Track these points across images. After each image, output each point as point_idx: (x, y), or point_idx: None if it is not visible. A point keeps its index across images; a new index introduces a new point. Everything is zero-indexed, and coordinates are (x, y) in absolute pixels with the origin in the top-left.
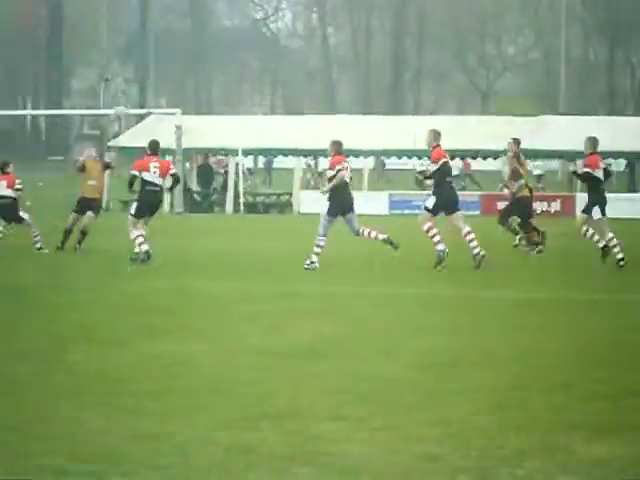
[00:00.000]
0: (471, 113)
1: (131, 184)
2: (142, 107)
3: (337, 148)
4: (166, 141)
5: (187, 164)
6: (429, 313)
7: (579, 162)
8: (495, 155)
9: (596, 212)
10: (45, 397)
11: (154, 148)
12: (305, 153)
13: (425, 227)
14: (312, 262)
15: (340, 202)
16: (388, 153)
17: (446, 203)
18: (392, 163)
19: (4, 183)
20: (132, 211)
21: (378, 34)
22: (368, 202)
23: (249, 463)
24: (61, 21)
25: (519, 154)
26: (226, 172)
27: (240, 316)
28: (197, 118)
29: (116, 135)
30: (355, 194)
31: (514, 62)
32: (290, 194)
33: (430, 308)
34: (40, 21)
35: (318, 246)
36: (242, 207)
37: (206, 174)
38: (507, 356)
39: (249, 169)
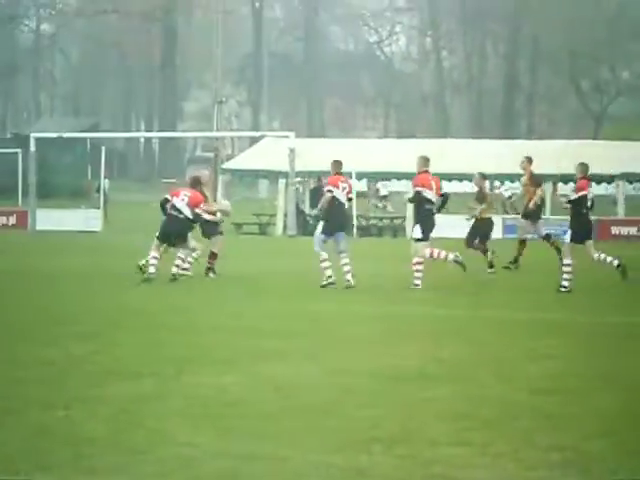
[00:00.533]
0: (584, 137)
1: (161, 206)
2: (255, 130)
3: (334, 167)
4: (279, 164)
5: (299, 187)
6: (544, 338)
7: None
8: (609, 180)
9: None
10: (161, 420)
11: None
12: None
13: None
14: (328, 280)
15: (334, 222)
16: (500, 177)
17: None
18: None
19: (186, 199)
20: (157, 234)
21: (492, 58)
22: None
23: None
24: (175, 44)
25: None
26: None
27: (351, 338)
28: (310, 141)
29: (229, 158)
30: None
31: (628, 86)
32: (403, 218)
33: (545, 333)
34: (155, 43)
35: (323, 262)
36: (355, 230)
37: (319, 197)
38: (623, 381)
39: (384, 195)
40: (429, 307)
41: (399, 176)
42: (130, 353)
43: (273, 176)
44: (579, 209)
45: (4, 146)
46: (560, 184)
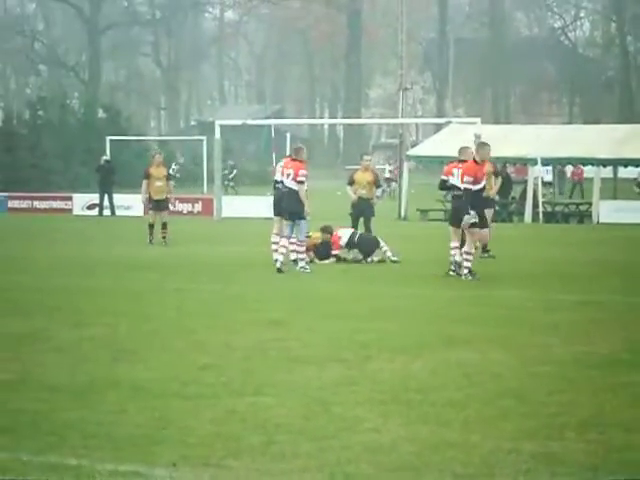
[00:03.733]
0: None
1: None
2: (439, 116)
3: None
4: None
5: None
6: None
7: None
8: None
9: None
10: (348, 406)
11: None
12: (603, 162)
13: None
14: (302, 267)
15: (276, 205)
16: None
17: None
18: None
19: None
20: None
21: None
22: None
23: (554, 473)
24: (360, 30)
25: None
26: (525, 181)
27: (541, 325)
28: (496, 127)
29: (414, 144)
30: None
31: None
32: (590, 204)
33: None
34: (339, 30)
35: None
36: (541, 216)
37: (505, 183)
38: None
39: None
40: (619, 295)
41: (584, 162)
42: (317, 340)
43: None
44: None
45: (189, 133)
46: None
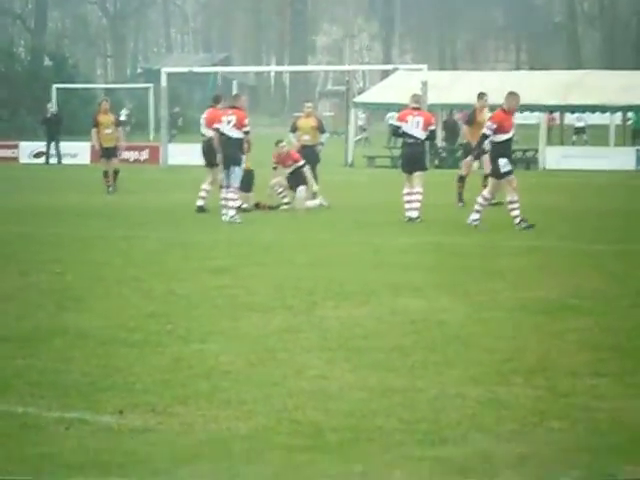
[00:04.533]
0: None
1: None
2: (386, 63)
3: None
4: None
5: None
6: None
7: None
8: None
9: None
10: (294, 353)
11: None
12: (550, 109)
13: None
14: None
15: (223, 156)
16: (634, 109)
17: None
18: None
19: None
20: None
21: None
22: (614, 157)
23: (500, 417)
24: None
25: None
26: None
27: (489, 271)
28: (442, 74)
29: (361, 91)
30: (602, 150)
31: None
32: (536, 150)
33: None
34: None
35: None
36: None
37: (451, 130)
38: None
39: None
40: (568, 241)
41: (531, 108)
42: (262, 287)
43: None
44: None
45: (136, 81)
46: None
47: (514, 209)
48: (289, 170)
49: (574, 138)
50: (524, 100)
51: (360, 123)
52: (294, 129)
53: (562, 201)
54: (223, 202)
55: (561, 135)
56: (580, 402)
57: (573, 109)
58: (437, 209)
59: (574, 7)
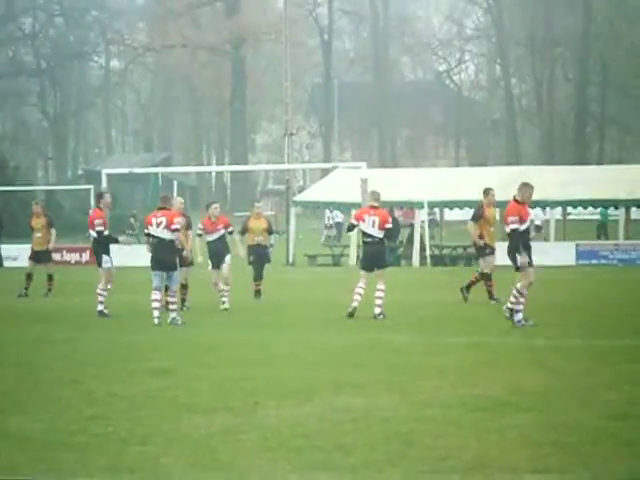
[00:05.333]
0: None
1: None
2: (326, 161)
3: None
4: (352, 194)
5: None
6: (623, 363)
7: None
8: None
9: None
10: (237, 454)
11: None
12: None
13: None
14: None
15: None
16: (573, 204)
17: None
18: (579, 213)
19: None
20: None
21: (561, 84)
22: (554, 252)
23: None
24: (244, 77)
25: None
26: (412, 225)
27: (429, 368)
28: (382, 171)
29: (301, 190)
30: (542, 245)
31: None
32: (465, 247)
33: (624, 358)
34: (224, 77)
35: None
36: (428, 260)
37: (392, 227)
38: None
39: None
40: (509, 337)
41: (471, 204)
42: (204, 388)
43: (345, 207)
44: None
45: (77, 183)
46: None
47: (520, 303)
48: (215, 236)
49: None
50: (464, 196)
51: (333, 221)
52: (244, 231)
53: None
54: (156, 305)
55: (502, 231)
56: None
57: None
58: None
59: (512, 103)
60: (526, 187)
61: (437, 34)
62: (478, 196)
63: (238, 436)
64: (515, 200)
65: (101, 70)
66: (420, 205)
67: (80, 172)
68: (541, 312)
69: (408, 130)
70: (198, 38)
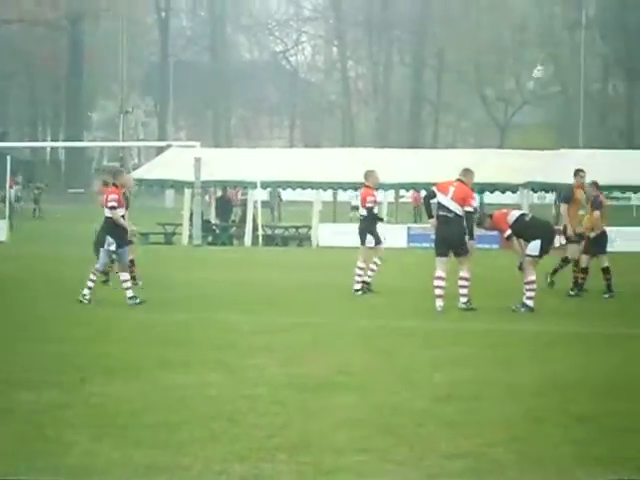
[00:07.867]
0: (490, 146)
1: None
2: (161, 139)
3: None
4: (185, 174)
5: (206, 197)
6: (453, 346)
7: None
8: (514, 189)
9: None
10: (62, 429)
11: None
12: (323, 186)
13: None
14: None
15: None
16: (406, 186)
17: None
18: (410, 196)
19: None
20: None
21: (398, 68)
22: (387, 235)
23: None
24: (81, 53)
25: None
26: (244, 204)
27: (256, 347)
28: (216, 151)
29: (136, 167)
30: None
31: (533, 95)
32: (309, 227)
33: (455, 341)
34: (60, 53)
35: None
36: (260, 240)
37: (225, 207)
38: (527, 388)
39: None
40: (339, 318)
41: (304, 185)
42: (35, 363)
43: (179, 186)
44: None
45: None
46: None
47: (531, 290)
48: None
49: (351, 215)
50: (299, 178)
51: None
52: None
53: (336, 277)
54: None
55: (334, 212)
56: (343, 478)
57: (348, 186)
58: (216, 284)
59: (348, 86)
60: (466, 173)
61: (275, 14)
62: (311, 177)
63: (65, 412)
64: (459, 180)
65: None
66: (253, 185)
67: None
68: (374, 294)
69: (243, 110)
70: (34, 13)
